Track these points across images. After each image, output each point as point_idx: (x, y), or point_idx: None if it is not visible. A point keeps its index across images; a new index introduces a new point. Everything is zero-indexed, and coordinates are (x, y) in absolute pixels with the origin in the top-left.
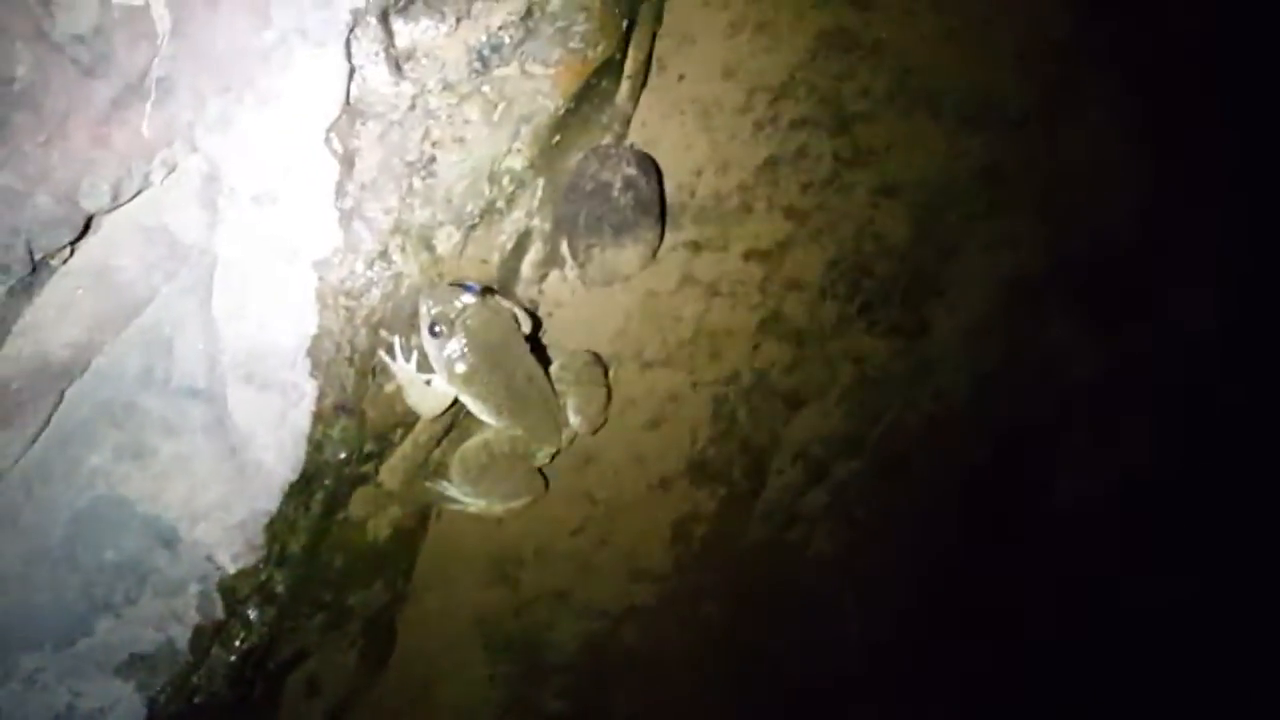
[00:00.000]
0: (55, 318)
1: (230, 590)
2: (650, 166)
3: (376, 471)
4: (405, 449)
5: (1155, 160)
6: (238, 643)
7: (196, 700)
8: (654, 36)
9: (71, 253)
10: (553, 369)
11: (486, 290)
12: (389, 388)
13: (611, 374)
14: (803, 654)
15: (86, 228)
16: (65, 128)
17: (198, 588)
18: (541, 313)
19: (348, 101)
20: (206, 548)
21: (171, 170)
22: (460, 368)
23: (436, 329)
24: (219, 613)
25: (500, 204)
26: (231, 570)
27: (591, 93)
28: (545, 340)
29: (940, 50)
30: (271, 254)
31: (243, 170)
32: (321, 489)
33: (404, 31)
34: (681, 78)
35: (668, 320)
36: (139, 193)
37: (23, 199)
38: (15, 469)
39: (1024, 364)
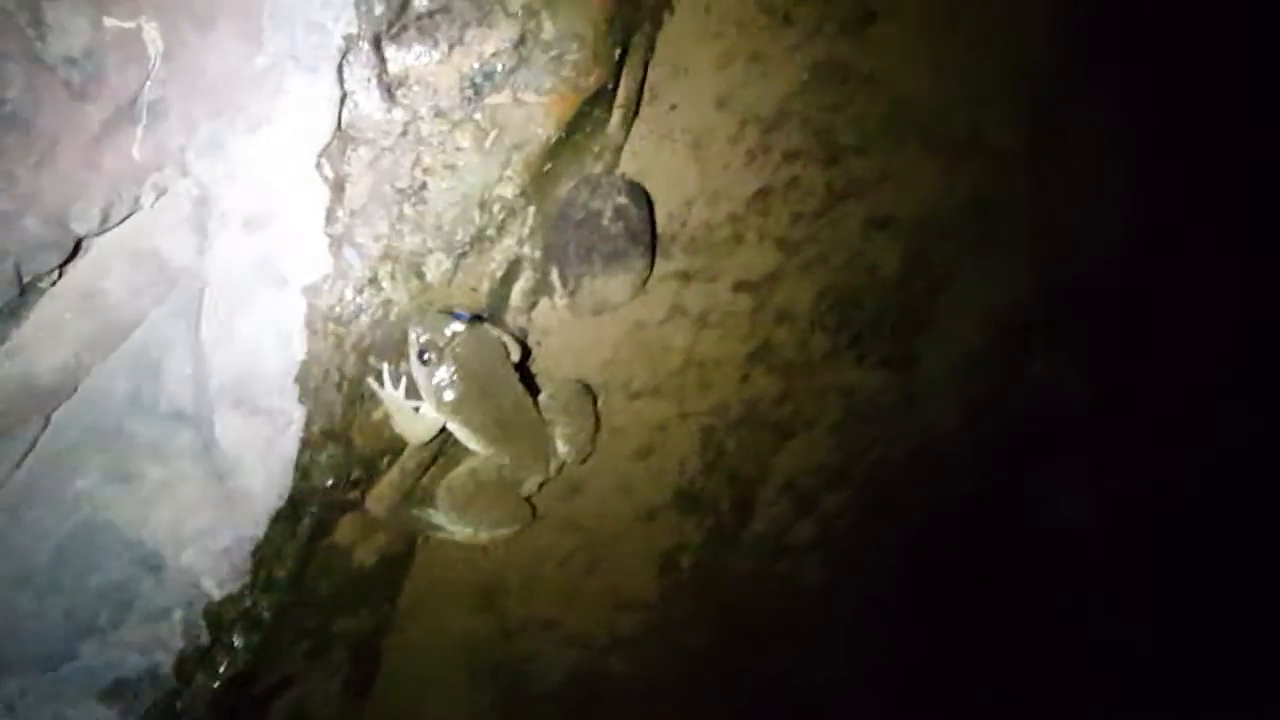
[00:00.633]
0: (43, 340)
1: (215, 616)
2: (641, 196)
3: (363, 498)
4: (392, 476)
5: (1145, 193)
6: (222, 669)
7: None
8: (646, 66)
9: (60, 275)
10: (541, 398)
11: (476, 318)
12: (377, 414)
13: (600, 403)
14: (790, 686)
15: (76, 250)
16: (55, 150)
17: (183, 613)
18: (531, 341)
19: (339, 127)
20: (192, 573)
21: (162, 194)
22: (449, 395)
23: (425, 356)
24: (204, 638)
25: (491, 232)
26: (217, 596)
27: (583, 121)
28: (534, 369)
29: (932, 82)
30: (261, 279)
31: (233, 195)
32: (308, 515)
33: (396, 58)
34: (673, 107)
35: (657, 350)
36: (129, 216)
37: (12, 221)
38: (1, 492)
39: (1012, 396)
